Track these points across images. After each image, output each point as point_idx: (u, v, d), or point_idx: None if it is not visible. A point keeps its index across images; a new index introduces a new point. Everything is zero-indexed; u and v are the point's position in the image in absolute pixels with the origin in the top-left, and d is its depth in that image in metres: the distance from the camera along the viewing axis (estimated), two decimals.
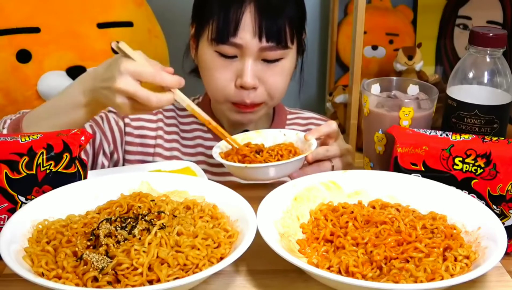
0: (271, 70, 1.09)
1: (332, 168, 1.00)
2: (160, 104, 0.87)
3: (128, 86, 0.86)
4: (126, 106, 0.88)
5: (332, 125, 1.01)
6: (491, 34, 0.93)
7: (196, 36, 1.14)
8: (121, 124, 1.20)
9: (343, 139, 1.05)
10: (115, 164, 1.19)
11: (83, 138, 0.86)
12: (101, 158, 1.15)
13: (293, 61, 1.14)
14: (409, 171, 0.89)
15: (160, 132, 1.22)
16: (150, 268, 0.68)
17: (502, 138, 0.88)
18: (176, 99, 0.91)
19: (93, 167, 1.15)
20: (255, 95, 1.09)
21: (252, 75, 1.07)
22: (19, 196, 0.82)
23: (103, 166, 1.15)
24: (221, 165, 1.23)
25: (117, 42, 0.86)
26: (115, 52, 0.91)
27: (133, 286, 0.67)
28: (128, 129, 1.20)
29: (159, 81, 0.87)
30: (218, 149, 1.01)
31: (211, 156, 1.24)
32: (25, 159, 0.81)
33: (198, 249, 0.72)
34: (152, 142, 1.21)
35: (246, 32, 1.05)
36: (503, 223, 0.81)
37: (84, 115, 0.95)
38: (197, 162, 1.21)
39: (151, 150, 1.22)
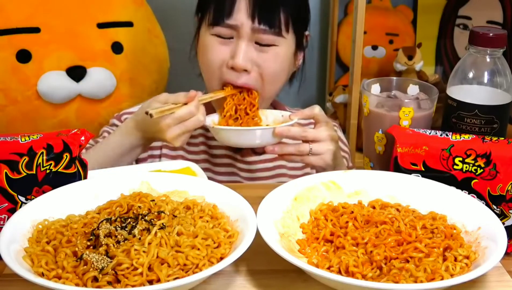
0: (265, 54, 1.11)
1: (310, 150, 1.03)
2: (202, 111, 1.03)
3: (176, 132, 1.01)
4: (181, 142, 1.03)
5: (315, 109, 1.06)
6: (491, 34, 0.93)
7: (199, 27, 1.16)
8: None
9: (333, 128, 1.07)
10: None
11: (83, 138, 0.86)
12: None
13: (290, 52, 1.14)
14: (409, 171, 0.89)
15: None
16: (150, 268, 0.68)
17: (502, 138, 0.88)
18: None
19: None
20: (247, 78, 1.11)
21: (244, 56, 1.09)
22: (19, 196, 0.82)
23: None
24: (223, 165, 1.24)
25: (149, 114, 0.98)
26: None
27: (133, 286, 0.67)
28: None
29: (187, 100, 1.02)
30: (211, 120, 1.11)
31: (213, 155, 1.24)
32: (25, 159, 0.81)
33: (198, 249, 0.72)
34: (159, 143, 1.22)
35: (241, 13, 1.08)
36: (503, 223, 0.81)
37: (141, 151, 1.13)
38: (200, 161, 1.22)
39: (157, 152, 1.24)
